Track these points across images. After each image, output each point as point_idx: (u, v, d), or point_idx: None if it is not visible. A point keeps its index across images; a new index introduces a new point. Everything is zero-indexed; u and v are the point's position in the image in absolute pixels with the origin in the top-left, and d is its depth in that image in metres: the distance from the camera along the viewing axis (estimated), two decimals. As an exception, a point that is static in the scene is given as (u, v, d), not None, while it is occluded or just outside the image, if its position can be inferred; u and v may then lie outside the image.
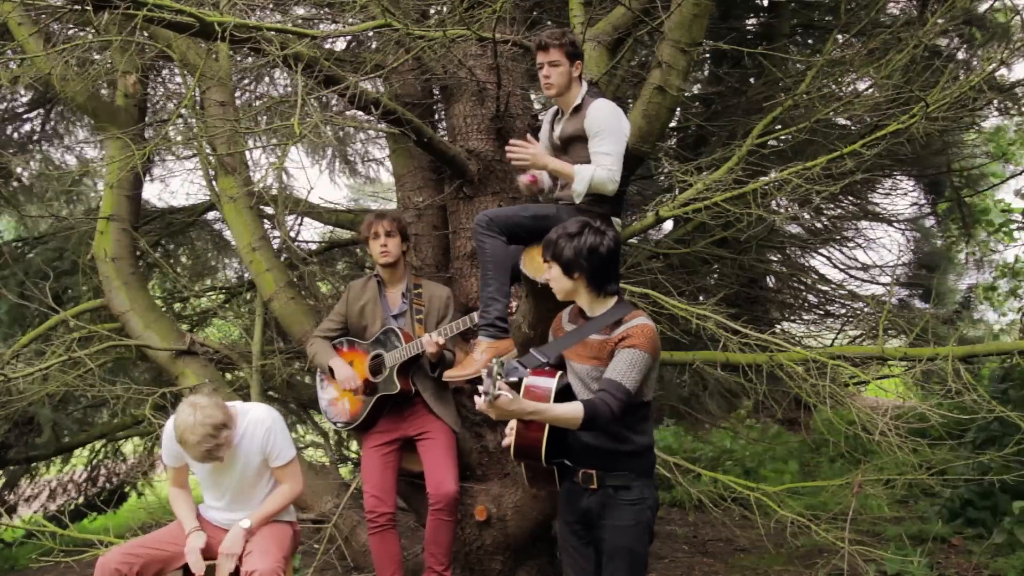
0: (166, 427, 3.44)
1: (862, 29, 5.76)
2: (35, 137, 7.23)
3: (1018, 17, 6.36)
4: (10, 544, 6.61)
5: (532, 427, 2.72)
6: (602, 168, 3.38)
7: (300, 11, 5.43)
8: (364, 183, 8.58)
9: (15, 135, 7.15)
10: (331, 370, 4.04)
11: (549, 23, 5.28)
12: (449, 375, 3.79)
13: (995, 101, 6.44)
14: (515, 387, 2.61)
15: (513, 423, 2.75)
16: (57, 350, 4.77)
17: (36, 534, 4.74)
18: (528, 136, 3.54)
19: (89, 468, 7.26)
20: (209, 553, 3.49)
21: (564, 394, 2.78)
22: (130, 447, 7.65)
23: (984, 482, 4.87)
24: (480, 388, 2.45)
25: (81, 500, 7.12)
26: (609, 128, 3.39)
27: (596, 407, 2.60)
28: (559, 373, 2.82)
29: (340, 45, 5.97)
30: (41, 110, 7.14)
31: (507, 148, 3.53)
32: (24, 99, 7.04)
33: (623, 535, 2.80)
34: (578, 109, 3.49)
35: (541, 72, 3.48)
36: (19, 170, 6.91)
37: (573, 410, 2.58)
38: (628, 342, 2.71)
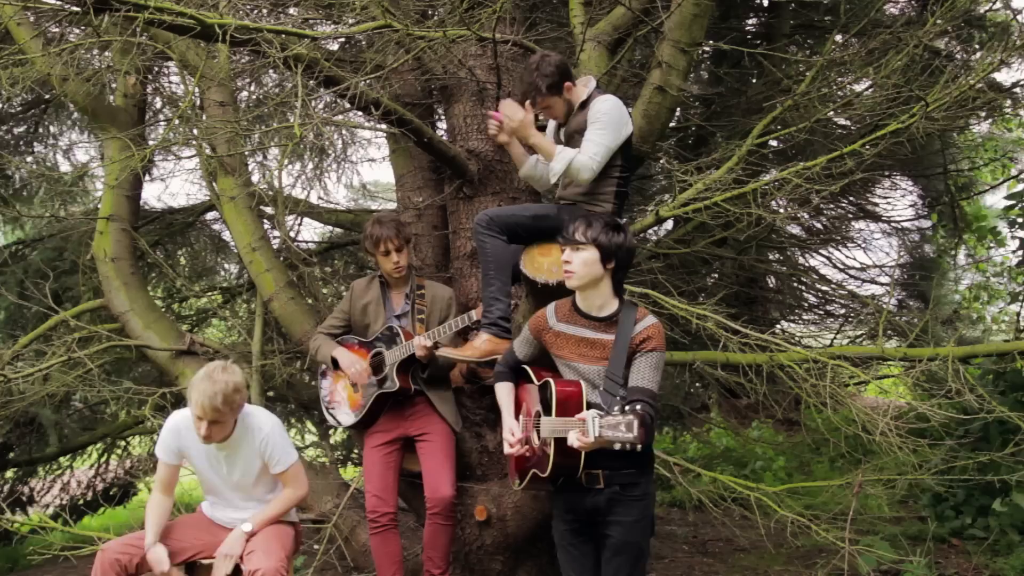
0: (168, 420, 3.41)
1: (862, 29, 5.76)
2: (27, 139, 7.21)
3: (1018, 17, 6.36)
4: (10, 541, 6.61)
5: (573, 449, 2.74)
6: (584, 154, 3.36)
7: (299, 12, 5.41)
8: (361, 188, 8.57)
9: (9, 137, 7.15)
10: (334, 362, 4.03)
11: (548, 24, 5.26)
12: (445, 352, 3.78)
13: (993, 102, 6.44)
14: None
15: (551, 442, 2.79)
16: (57, 350, 4.76)
17: (39, 530, 4.74)
18: (527, 104, 3.53)
19: (96, 467, 7.27)
20: (209, 552, 3.50)
21: None
22: (136, 442, 7.65)
23: (969, 482, 4.86)
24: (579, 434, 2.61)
25: (91, 496, 7.13)
26: (607, 120, 3.38)
27: (646, 422, 2.62)
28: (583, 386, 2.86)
29: (336, 46, 5.96)
30: (35, 110, 7.13)
31: (500, 104, 3.59)
32: (18, 100, 7.03)
33: (631, 531, 2.84)
34: (584, 105, 3.50)
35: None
36: (16, 171, 6.90)
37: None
38: (650, 345, 2.77)
